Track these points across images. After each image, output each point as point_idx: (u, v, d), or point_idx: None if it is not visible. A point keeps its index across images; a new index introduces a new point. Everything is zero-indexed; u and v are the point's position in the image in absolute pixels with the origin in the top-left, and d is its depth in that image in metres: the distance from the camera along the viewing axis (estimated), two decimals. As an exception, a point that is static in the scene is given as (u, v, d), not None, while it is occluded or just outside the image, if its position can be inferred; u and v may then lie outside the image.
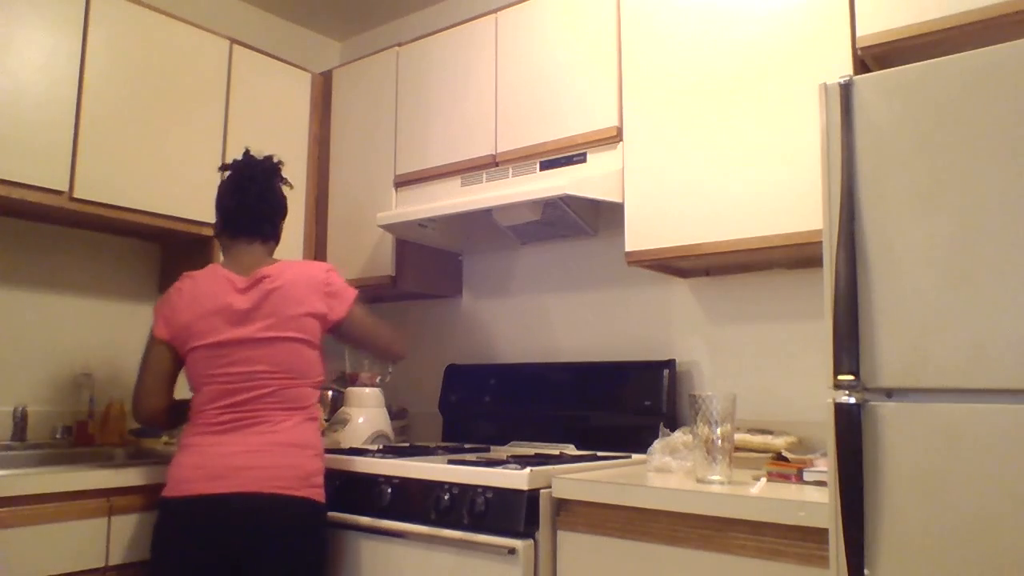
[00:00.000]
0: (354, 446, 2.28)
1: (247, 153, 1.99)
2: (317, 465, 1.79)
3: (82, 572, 1.81)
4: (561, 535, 1.65)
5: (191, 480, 1.68)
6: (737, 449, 1.80)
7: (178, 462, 1.74)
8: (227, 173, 1.99)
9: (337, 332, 1.92)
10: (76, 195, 2.19)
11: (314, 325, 1.84)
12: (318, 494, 1.77)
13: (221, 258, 2.50)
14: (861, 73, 1.48)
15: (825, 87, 1.30)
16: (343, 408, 2.46)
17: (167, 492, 1.71)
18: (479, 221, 2.44)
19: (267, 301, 1.79)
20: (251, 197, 1.92)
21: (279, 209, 1.98)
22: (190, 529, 1.67)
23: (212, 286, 1.83)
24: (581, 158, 2.18)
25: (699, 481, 1.60)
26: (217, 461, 1.69)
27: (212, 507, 1.66)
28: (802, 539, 1.34)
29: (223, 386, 1.77)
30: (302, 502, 1.72)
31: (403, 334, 2.12)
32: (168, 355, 1.85)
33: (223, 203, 1.93)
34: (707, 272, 2.24)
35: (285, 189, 2.01)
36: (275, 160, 1.99)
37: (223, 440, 1.73)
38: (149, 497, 1.91)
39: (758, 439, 1.90)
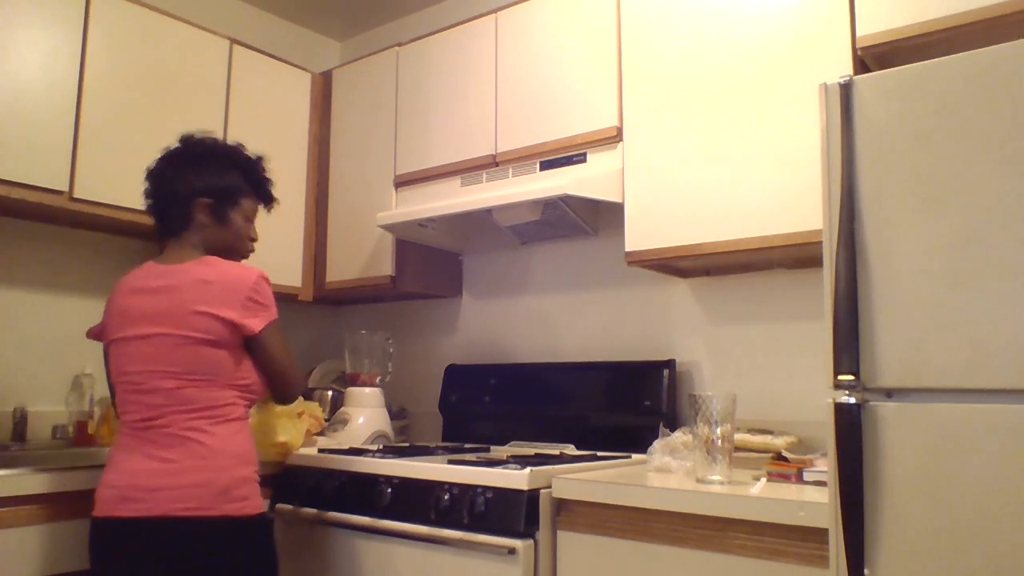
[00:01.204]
0: (354, 446, 2.28)
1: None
2: (240, 474, 1.62)
3: (82, 572, 1.80)
4: (561, 535, 1.65)
5: (107, 500, 1.57)
6: (737, 449, 1.80)
7: (101, 479, 1.62)
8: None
9: (247, 348, 1.71)
10: (76, 195, 2.19)
11: (219, 328, 1.63)
12: (240, 508, 1.60)
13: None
14: (861, 73, 1.48)
15: (825, 87, 1.30)
16: (343, 408, 2.46)
17: (93, 510, 1.61)
18: (479, 221, 2.44)
19: (171, 296, 1.64)
20: (150, 191, 1.79)
21: (181, 194, 1.74)
22: (107, 553, 1.58)
23: (132, 279, 1.72)
24: (581, 158, 2.18)
25: (699, 481, 1.59)
26: (128, 480, 1.56)
27: (124, 532, 1.55)
28: (802, 539, 1.34)
29: (129, 387, 1.63)
30: (219, 523, 1.56)
31: (304, 380, 1.90)
32: (105, 354, 1.75)
33: None
34: (707, 272, 2.24)
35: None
36: (189, 137, 1.83)
37: (133, 456, 1.59)
38: (149, 497, 1.91)
39: (758, 439, 1.90)
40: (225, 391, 1.65)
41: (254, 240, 1.88)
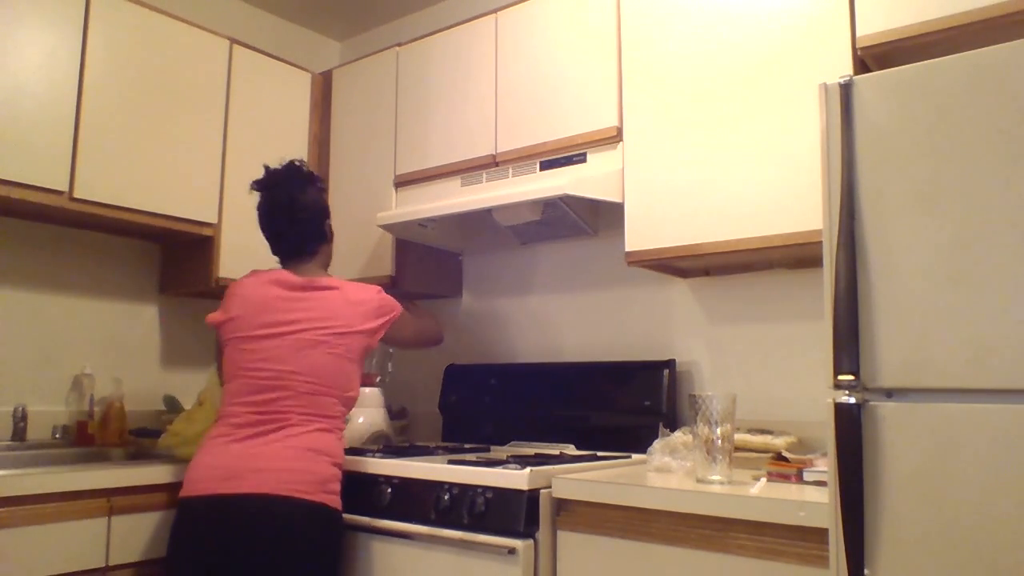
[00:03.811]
0: (354, 446, 2.28)
1: (268, 170, 2.00)
2: (334, 472, 1.80)
3: (82, 572, 1.81)
4: (561, 535, 1.65)
5: (205, 480, 1.70)
6: (737, 449, 1.80)
7: (195, 462, 1.76)
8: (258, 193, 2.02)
9: (384, 341, 2.03)
10: (76, 195, 2.19)
11: (356, 342, 1.89)
12: (334, 500, 1.77)
13: (220, 257, 2.55)
14: (861, 73, 1.48)
15: (825, 87, 1.30)
16: (343, 408, 2.46)
17: (183, 492, 1.74)
18: (479, 221, 2.44)
19: (313, 308, 1.85)
20: (281, 223, 1.97)
21: (313, 218, 2.00)
22: (202, 529, 1.69)
23: (267, 282, 1.92)
24: (581, 158, 2.18)
25: (699, 481, 1.60)
26: (232, 462, 1.71)
27: (224, 507, 1.67)
28: (802, 539, 1.34)
29: (251, 382, 1.81)
30: (317, 507, 1.72)
31: (436, 323, 2.34)
32: (218, 341, 2.01)
33: (263, 231, 2.00)
34: (707, 272, 2.24)
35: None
36: (296, 165, 2.01)
37: (243, 442, 1.75)
38: (149, 497, 1.92)
39: (758, 439, 1.90)
40: (336, 402, 1.87)
41: None
